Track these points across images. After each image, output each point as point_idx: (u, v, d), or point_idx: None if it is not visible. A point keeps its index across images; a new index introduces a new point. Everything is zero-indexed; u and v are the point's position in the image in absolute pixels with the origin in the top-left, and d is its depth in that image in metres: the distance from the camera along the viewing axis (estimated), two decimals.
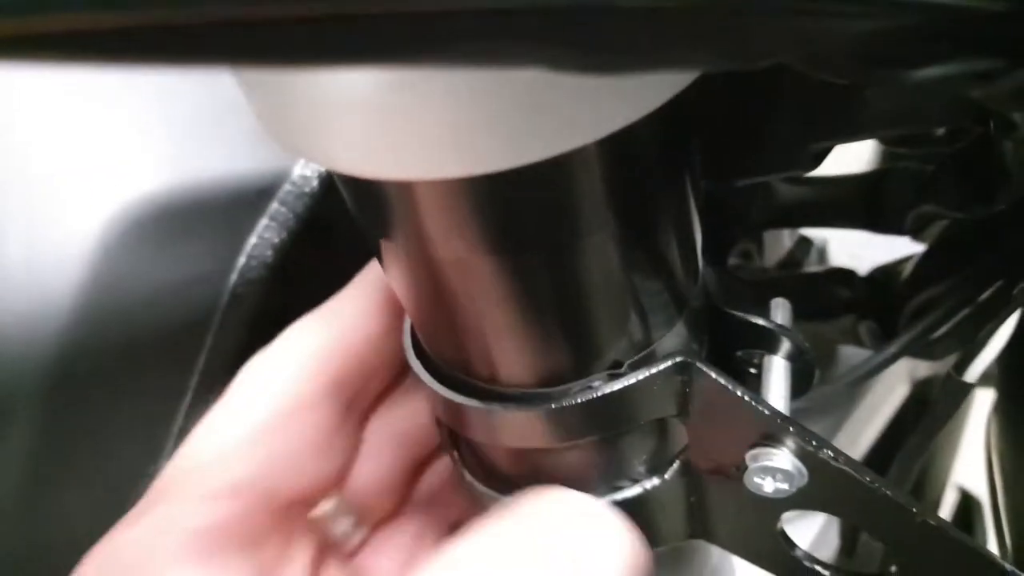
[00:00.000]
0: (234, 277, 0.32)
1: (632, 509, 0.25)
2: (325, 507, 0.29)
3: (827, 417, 0.50)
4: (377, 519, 0.31)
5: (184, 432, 0.31)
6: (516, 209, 0.19)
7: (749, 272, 0.38)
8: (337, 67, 0.12)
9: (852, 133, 0.25)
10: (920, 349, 0.31)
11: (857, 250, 0.49)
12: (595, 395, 0.23)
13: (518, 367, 0.23)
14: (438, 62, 0.13)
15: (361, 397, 0.29)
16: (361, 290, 0.28)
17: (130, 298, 0.30)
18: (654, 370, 0.23)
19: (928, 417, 0.31)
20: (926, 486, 0.73)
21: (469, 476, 0.29)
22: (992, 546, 0.35)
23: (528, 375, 0.24)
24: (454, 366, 0.25)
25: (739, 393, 0.23)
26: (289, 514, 0.27)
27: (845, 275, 0.38)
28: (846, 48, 0.16)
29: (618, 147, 0.18)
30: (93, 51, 0.11)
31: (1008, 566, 0.24)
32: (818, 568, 0.27)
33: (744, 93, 0.26)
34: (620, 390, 0.23)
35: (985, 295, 0.29)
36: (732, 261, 0.37)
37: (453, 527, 0.32)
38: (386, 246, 0.22)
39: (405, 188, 0.19)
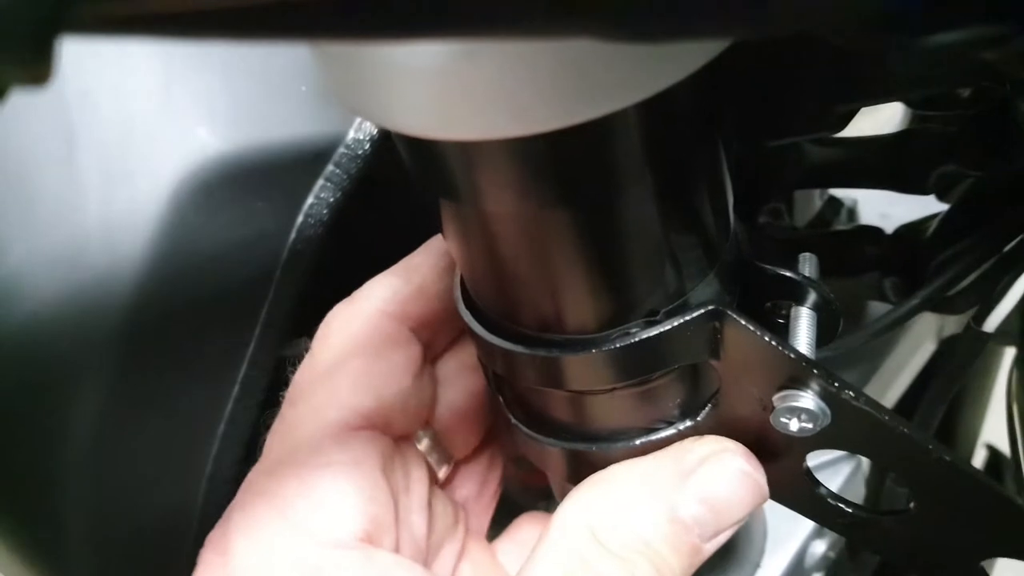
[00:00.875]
0: (293, 235, 0.34)
1: None
2: (423, 442, 0.33)
3: (854, 371, 0.51)
4: (461, 453, 0.35)
5: (247, 379, 0.34)
6: (564, 166, 0.21)
7: (779, 230, 0.40)
8: (406, 42, 0.14)
9: (875, 96, 0.27)
10: (941, 303, 0.33)
11: (887, 209, 0.50)
12: (633, 340, 0.25)
13: (561, 314, 0.25)
14: (494, 35, 0.14)
15: (437, 342, 0.33)
16: (432, 251, 0.32)
17: (197, 255, 0.32)
18: (687, 317, 0.25)
19: (949, 365, 0.33)
20: (956, 444, 0.74)
21: (514, 420, 0.31)
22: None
23: (571, 322, 0.26)
24: (500, 315, 0.27)
25: (767, 338, 0.25)
26: (401, 446, 0.31)
27: (872, 233, 0.40)
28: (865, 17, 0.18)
29: (656, 108, 0.20)
30: (195, 28, 0.13)
31: (1020, 501, 0.26)
32: (841, 505, 0.29)
33: (773, 58, 0.27)
34: (656, 336, 0.25)
35: (1005, 249, 0.31)
36: (762, 219, 0.39)
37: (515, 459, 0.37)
38: (443, 203, 0.24)
39: (463, 148, 0.21)
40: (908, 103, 0.45)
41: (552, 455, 0.30)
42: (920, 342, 0.55)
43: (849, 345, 0.33)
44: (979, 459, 0.74)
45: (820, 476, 0.30)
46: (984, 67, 0.25)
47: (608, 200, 0.22)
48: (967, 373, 0.33)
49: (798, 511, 0.30)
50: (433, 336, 0.33)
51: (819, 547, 0.44)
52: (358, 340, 0.30)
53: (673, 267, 0.25)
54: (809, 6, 0.17)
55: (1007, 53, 0.20)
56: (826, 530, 0.45)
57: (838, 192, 0.50)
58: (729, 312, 0.25)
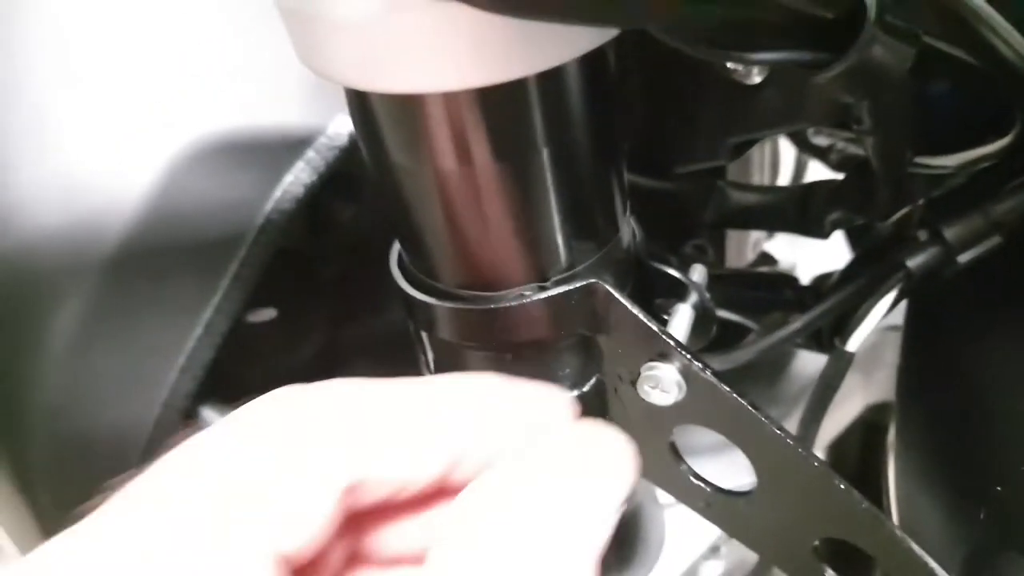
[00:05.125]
0: (269, 205, 0.39)
1: None
2: None
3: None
4: None
5: (211, 323, 0.39)
6: (464, 128, 0.26)
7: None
8: None
9: (756, 128, 0.32)
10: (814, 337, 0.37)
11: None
12: (524, 301, 0.30)
13: (468, 272, 0.30)
14: None
15: None
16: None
17: (183, 208, 0.38)
18: (571, 287, 0.30)
19: (818, 386, 0.37)
20: None
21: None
22: None
23: (476, 279, 0.30)
24: (421, 271, 0.32)
25: (635, 311, 0.30)
26: None
27: (788, 279, 0.45)
28: (698, 27, 0.23)
29: (552, 83, 0.25)
30: None
31: (846, 483, 0.30)
32: (699, 484, 0.33)
33: (670, 92, 0.32)
34: (544, 299, 0.30)
35: (866, 280, 0.35)
36: (688, 251, 0.44)
37: None
38: (374, 160, 0.29)
39: (384, 101, 0.26)
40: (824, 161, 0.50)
41: None
42: (843, 404, 0.59)
43: (732, 362, 0.37)
44: None
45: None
46: (844, 107, 0.30)
47: (507, 164, 0.27)
48: (834, 393, 0.37)
49: (665, 488, 0.34)
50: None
51: (715, 570, 0.47)
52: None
53: (564, 239, 0.30)
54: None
55: (833, 78, 0.26)
56: (722, 552, 0.49)
57: (782, 254, 0.55)
58: (608, 287, 0.30)
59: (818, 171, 0.47)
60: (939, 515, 0.34)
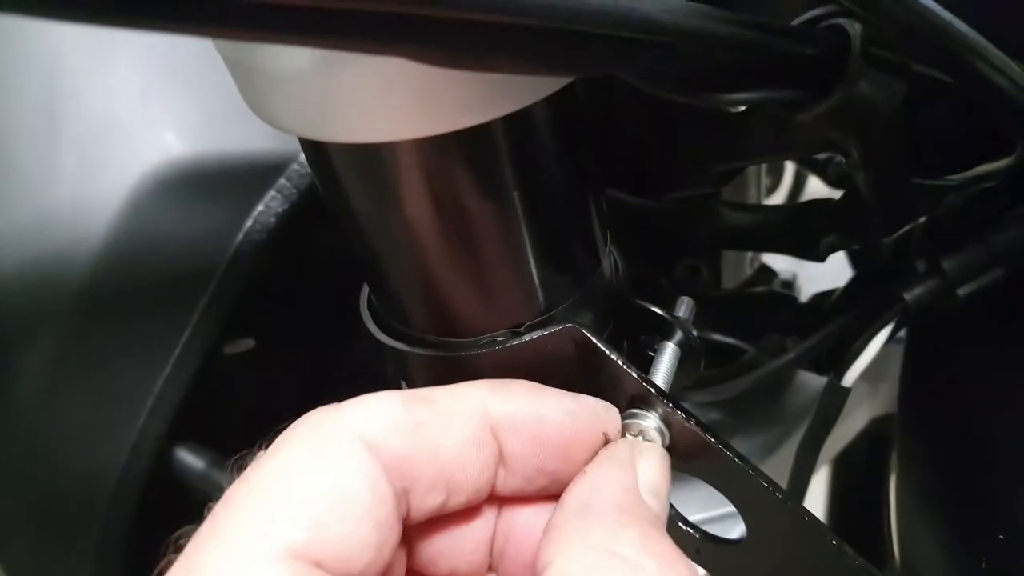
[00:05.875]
0: (240, 236, 0.38)
1: None
2: None
3: (770, 436, 0.54)
4: None
5: (180, 361, 0.37)
6: (425, 173, 0.24)
7: (696, 286, 0.43)
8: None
9: (743, 157, 0.30)
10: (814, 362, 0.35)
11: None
12: (496, 348, 0.28)
13: (436, 318, 0.29)
14: (326, 44, 0.18)
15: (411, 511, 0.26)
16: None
17: (151, 243, 0.36)
18: (547, 332, 0.28)
19: (814, 420, 0.35)
20: None
21: None
22: None
23: (445, 326, 0.29)
24: (392, 318, 0.30)
25: (614, 357, 0.28)
26: None
27: (784, 299, 0.43)
28: (671, 70, 0.22)
29: (516, 125, 0.23)
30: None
31: (838, 539, 0.28)
32: (688, 530, 0.32)
33: (657, 119, 0.31)
34: (518, 345, 0.28)
35: (862, 310, 0.34)
36: (680, 274, 0.42)
37: None
38: (329, 204, 0.27)
39: (340, 151, 0.24)
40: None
41: None
42: (848, 418, 0.57)
43: (727, 392, 0.35)
44: None
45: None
46: (828, 138, 0.29)
47: (471, 210, 0.25)
48: (831, 426, 0.35)
49: None
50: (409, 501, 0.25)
51: None
52: (318, 460, 0.24)
53: (538, 283, 0.28)
54: (616, 54, 0.20)
55: (814, 115, 0.24)
56: None
57: (779, 265, 0.53)
58: (584, 331, 0.28)
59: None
60: (940, 558, 0.33)
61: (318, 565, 0.22)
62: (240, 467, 0.25)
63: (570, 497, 0.26)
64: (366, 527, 0.23)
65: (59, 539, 0.37)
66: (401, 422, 0.25)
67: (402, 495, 0.24)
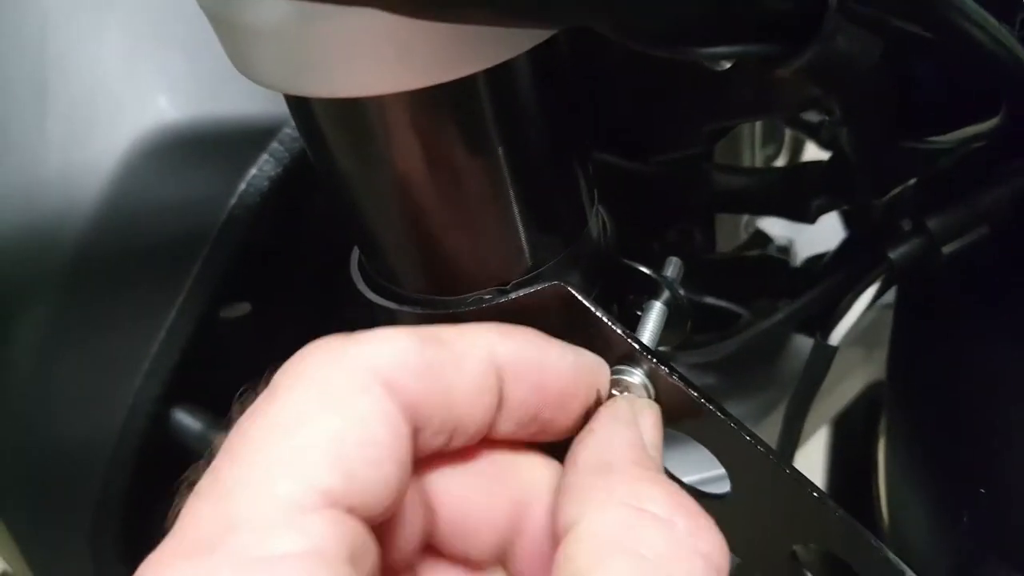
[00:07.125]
0: (233, 201, 0.38)
1: None
2: None
3: (766, 398, 0.54)
4: None
5: (174, 325, 0.38)
6: (409, 128, 0.24)
7: (690, 251, 0.43)
8: None
9: (729, 116, 0.30)
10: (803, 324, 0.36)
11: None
12: (483, 305, 0.29)
13: (423, 276, 0.29)
14: None
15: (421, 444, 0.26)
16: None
17: (143, 208, 0.37)
18: (532, 289, 0.28)
19: (802, 379, 0.36)
20: None
21: None
22: None
23: (433, 284, 0.29)
24: (380, 275, 0.31)
25: (599, 314, 0.28)
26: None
27: (777, 262, 0.43)
28: (645, 23, 0.22)
29: (498, 79, 0.24)
30: None
31: (819, 491, 0.29)
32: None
33: (643, 77, 0.31)
34: (504, 303, 0.28)
35: (849, 270, 0.34)
36: (672, 238, 0.42)
37: None
38: (316, 162, 0.28)
39: (327, 105, 0.24)
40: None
41: None
42: (843, 381, 0.57)
43: (716, 353, 0.36)
44: None
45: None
46: (813, 96, 0.29)
47: (457, 166, 0.25)
48: (818, 386, 0.36)
49: None
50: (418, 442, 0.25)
51: None
52: (335, 398, 0.23)
53: (524, 240, 0.28)
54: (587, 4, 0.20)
55: (792, 70, 0.24)
56: None
57: (776, 231, 0.53)
58: (570, 289, 0.28)
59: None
60: (925, 515, 0.33)
61: (351, 511, 0.22)
62: (243, 402, 0.24)
63: (583, 455, 0.26)
64: (389, 469, 0.23)
65: (58, 499, 0.38)
66: (417, 362, 0.24)
67: (415, 436, 0.24)
